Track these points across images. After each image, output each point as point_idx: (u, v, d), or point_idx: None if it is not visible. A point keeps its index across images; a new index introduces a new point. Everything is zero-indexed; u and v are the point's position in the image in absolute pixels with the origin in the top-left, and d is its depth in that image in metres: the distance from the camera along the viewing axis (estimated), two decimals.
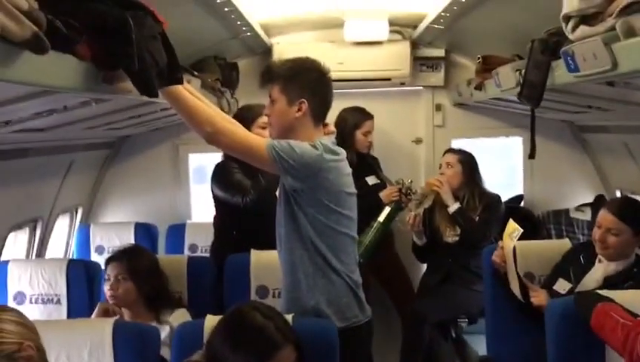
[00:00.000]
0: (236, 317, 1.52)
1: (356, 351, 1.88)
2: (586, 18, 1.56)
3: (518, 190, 3.72)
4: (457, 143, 3.62)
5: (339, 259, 1.90)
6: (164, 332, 2.21)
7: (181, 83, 1.74)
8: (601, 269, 2.30)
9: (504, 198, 3.53)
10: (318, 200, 1.86)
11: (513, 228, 2.38)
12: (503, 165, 3.92)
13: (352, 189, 1.98)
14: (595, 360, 1.78)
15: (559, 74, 1.79)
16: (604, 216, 2.28)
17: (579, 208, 3.44)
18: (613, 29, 1.41)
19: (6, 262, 2.60)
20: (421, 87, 3.71)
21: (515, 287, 2.38)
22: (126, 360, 1.69)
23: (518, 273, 2.40)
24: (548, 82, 1.88)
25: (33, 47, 1.09)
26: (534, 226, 3.46)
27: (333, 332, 1.77)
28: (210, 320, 1.69)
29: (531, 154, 2.22)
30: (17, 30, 1.04)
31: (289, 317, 1.65)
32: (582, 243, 2.67)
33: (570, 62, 1.66)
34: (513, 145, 3.76)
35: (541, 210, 3.58)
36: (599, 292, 1.87)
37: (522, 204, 3.66)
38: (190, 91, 1.85)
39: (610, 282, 2.22)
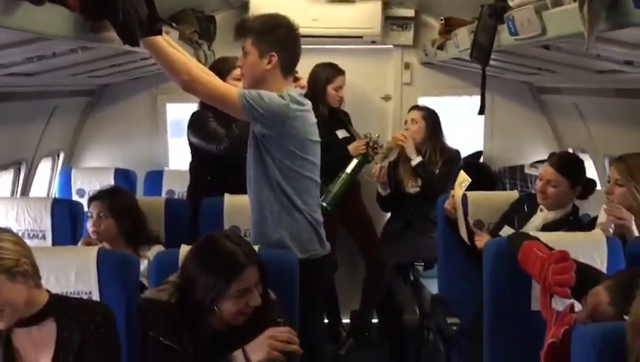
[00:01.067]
0: (208, 242, 1.73)
1: (316, 281, 2.11)
2: None
3: (480, 147, 3.94)
4: (424, 101, 3.80)
5: (302, 200, 2.11)
6: (143, 265, 2.41)
7: (160, 34, 1.90)
8: (540, 217, 2.55)
9: (465, 154, 3.78)
10: (284, 146, 2.06)
11: (463, 178, 2.61)
12: (468, 123, 4.12)
13: (317, 137, 2.18)
14: (522, 292, 2.03)
15: (504, 37, 1.99)
16: (546, 169, 2.51)
17: (533, 164, 3.68)
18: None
19: None
20: (391, 46, 3.85)
21: (463, 232, 2.62)
22: (109, 283, 1.89)
23: (466, 219, 2.64)
24: (495, 44, 2.08)
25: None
26: (491, 180, 3.70)
27: (294, 261, 2.00)
28: (184, 249, 1.89)
29: (480, 110, 2.42)
30: None
31: (256, 248, 1.86)
32: (527, 194, 2.90)
33: (512, 26, 1.87)
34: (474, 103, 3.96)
35: (499, 166, 3.83)
36: (529, 233, 2.11)
37: (481, 159, 3.89)
38: (169, 42, 2.01)
39: (547, 228, 2.46)
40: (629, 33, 1.34)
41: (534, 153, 3.79)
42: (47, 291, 1.62)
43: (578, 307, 1.67)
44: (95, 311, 1.63)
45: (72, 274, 1.89)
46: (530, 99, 3.81)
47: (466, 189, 2.71)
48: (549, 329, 1.62)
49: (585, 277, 1.68)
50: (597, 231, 2.13)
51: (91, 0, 1.55)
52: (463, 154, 3.69)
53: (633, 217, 2.24)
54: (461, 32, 2.52)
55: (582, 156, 3.22)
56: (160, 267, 1.95)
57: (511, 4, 1.80)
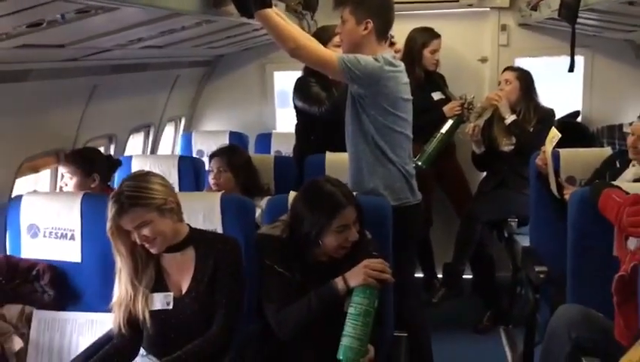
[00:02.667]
0: (313, 185, 2.01)
1: (408, 225, 2.33)
2: None
3: (577, 106, 3.94)
4: (521, 62, 3.85)
5: (395, 153, 2.33)
6: (257, 212, 2.76)
7: (270, 7, 2.18)
8: (632, 172, 2.61)
9: (563, 114, 3.80)
10: (378, 104, 2.28)
11: (554, 133, 2.71)
12: (567, 83, 4.10)
13: (408, 96, 2.38)
14: (604, 238, 2.14)
15: None
16: (637, 124, 2.56)
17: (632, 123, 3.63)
18: None
19: (130, 157, 3.23)
20: (488, 8, 3.92)
21: (553, 186, 2.73)
22: (231, 222, 2.23)
23: (556, 174, 2.75)
24: (582, 3, 2.17)
25: None
26: (588, 139, 3.70)
27: (387, 207, 2.23)
28: (292, 194, 2.19)
29: (570, 67, 2.50)
30: None
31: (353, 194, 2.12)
32: (620, 150, 2.93)
33: None
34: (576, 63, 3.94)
35: (597, 125, 3.81)
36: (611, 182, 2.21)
37: (579, 119, 3.89)
38: (278, 14, 2.28)
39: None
40: None
41: (635, 112, 3.72)
42: (188, 225, 1.99)
43: None
44: (226, 242, 1.98)
45: (200, 215, 2.24)
46: (632, 57, 3.75)
47: (562, 147, 2.81)
48: (622, 267, 1.76)
49: None
50: None
51: None
52: (562, 113, 3.73)
53: None
54: None
55: None
56: (272, 209, 2.26)
57: None
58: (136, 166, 3.16)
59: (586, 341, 1.96)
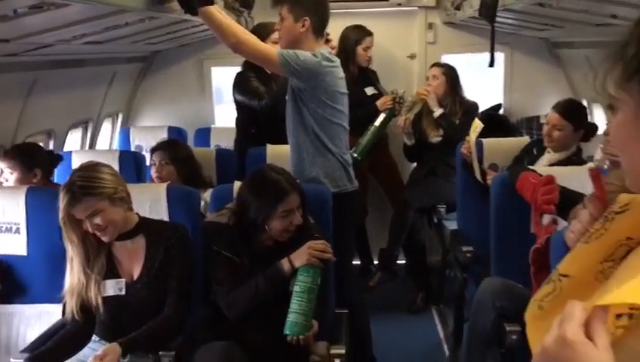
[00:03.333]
0: (258, 174, 2.13)
1: (346, 210, 2.49)
2: None
3: (499, 100, 4.23)
4: (447, 58, 4.09)
5: (333, 143, 2.49)
6: (200, 204, 2.85)
7: (212, 4, 2.28)
8: (547, 158, 2.88)
9: (486, 107, 4.07)
10: (317, 97, 2.43)
11: (477, 124, 2.94)
12: (489, 78, 4.39)
13: (344, 90, 2.54)
14: (522, 217, 2.36)
15: None
16: (551, 114, 2.82)
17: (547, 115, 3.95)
18: None
19: (70, 152, 3.23)
20: (415, 8, 4.14)
21: (477, 172, 2.97)
22: (177, 211, 2.30)
23: (480, 161, 2.98)
24: (500, 3, 2.39)
25: None
26: (509, 130, 3.99)
27: (328, 194, 2.38)
28: (237, 184, 2.30)
29: (490, 63, 2.72)
30: None
31: None
32: (537, 139, 3.21)
33: None
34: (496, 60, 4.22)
35: (517, 117, 4.12)
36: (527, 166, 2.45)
37: (501, 111, 4.18)
38: (219, 11, 2.38)
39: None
40: None
41: (550, 104, 4.03)
42: (137, 214, 2.06)
43: (562, 224, 2.01)
44: (175, 229, 2.07)
45: (147, 205, 2.30)
46: (546, 53, 4.06)
47: (484, 137, 3.05)
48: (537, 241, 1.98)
49: (568, 198, 2.02)
50: (588, 165, 2.45)
51: None
52: (485, 106, 3.99)
53: None
54: None
55: (594, 106, 3.48)
56: (217, 198, 2.36)
57: None
58: (76, 161, 3.16)
59: (508, 309, 2.18)
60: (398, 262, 3.97)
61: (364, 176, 3.75)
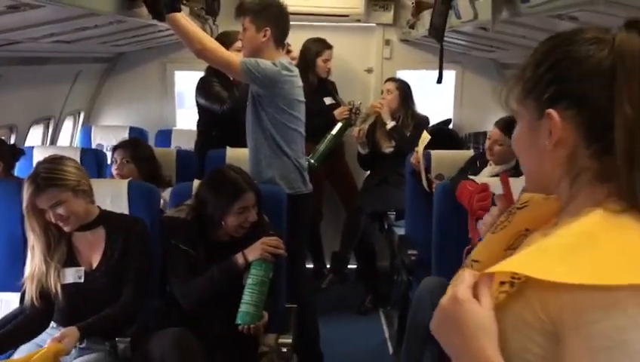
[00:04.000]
0: (217, 173, 2.26)
1: (300, 211, 2.64)
2: None
3: (449, 115, 4.47)
4: (402, 74, 4.30)
5: (289, 147, 2.63)
6: (160, 202, 2.95)
7: (179, 12, 2.41)
8: (488, 170, 3.09)
9: (437, 121, 4.30)
10: (275, 103, 2.57)
11: (425, 136, 3.15)
12: (442, 94, 4.62)
13: (302, 98, 2.69)
14: (462, 223, 2.55)
15: (452, 19, 2.50)
16: (493, 130, 3.04)
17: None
18: None
19: (31, 147, 3.28)
20: (374, 24, 4.34)
21: (424, 181, 3.16)
22: (137, 206, 2.41)
23: (426, 171, 3.18)
24: (447, 25, 2.59)
25: None
26: (458, 144, 4.22)
27: (283, 195, 2.53)
28: (196, 182, 2.42)
29: (439, 79, 2.91)
30: None
31: None
32: (480, 152, 3.43)
33: (457, 11, 2.38)
34: (448, 77, 4.47)
35: (465, 132, 4.35)
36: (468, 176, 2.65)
37: (451, 126, 4.41)
38: (185, 18, 2.51)
39: None
40: (523, 20, 1.86)
41: None
42: (98, 206, 2.16)
43: None
44: (134, 222, 2.18)
45: (108, 200, 2.41)
46: (495, 73, 4.32)
47: (434, 149, 3.25)
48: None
49: None
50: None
51: None
52: (436, 120, 4.22)
53: None
54: (424, 14, 3.02)
55: None
56: (177, 195, 2.48)
57: None
58: (37, 156, 3.22)
59: None
60: (350, 266, 4.15)
61: (320, 182, 3.91)
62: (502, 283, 0.85)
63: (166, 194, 2.96)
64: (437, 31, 2.62)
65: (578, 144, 0.88)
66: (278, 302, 2.36)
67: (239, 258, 2.16)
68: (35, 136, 3.65)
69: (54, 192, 1.98)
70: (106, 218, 2.16)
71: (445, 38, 3.10)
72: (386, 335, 3.59)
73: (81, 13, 2.03)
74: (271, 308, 2.21)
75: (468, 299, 0.82)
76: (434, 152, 3.33)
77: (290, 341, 2.20)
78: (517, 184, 1.14)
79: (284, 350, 2.18)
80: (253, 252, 2.15)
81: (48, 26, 2.13)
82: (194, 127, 3.72)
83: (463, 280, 0.84)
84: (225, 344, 2.16)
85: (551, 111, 0.88)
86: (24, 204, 1.99)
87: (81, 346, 2.04)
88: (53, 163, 2.04)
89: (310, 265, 4.13)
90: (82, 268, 2.09)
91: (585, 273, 0.77)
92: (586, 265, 0.79)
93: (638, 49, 0.83)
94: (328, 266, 4.21)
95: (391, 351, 3.39)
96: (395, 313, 3.51)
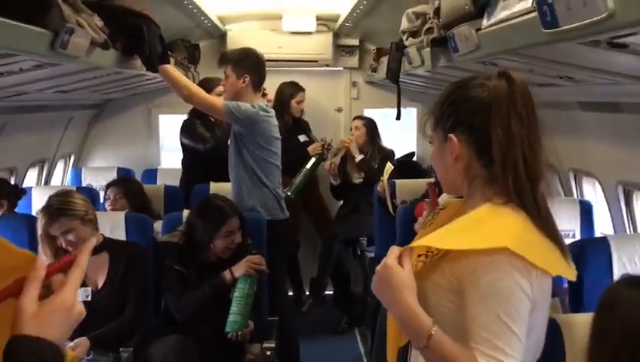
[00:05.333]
0: (205, 201, 2.59)
1: (278, 235, 2.96)
2: (413, 33, 2.66)
3: (413, 148, 4.87)
4: (369, 112, 4.70)
5: (268, 179, 2.97)
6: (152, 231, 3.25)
7: (169, 63, 2.77)
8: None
9: (402, 154, 4.69)
10: (255, 140, 2.92)
11: (389, 166, 3.53)
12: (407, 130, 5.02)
13: (278, 135, 3.04)
14: None
15: (405, 65, 2.90)
16: None
17: None
18: (422, 41, 2.51)
19: (30, 188, 3.57)
20: (341, 68, 4.77)
21: (390, 207, 3.52)
22: (133, 236, 2.72)
23: (392, 197, 3.54)
24: (402, 69, 2.99)
25: (103, 46, 2.12)
26: (421, 174, 4.60)
27: (263, 221, 2.86)
28: (185, 212, 2.74)
29: (397, 116, 3.30)
30: (97, 38, 2.07)
31: None
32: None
33: (408, 58, 2.77)
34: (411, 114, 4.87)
35: (428, 163, 4.74)
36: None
37: (415, 158, 4.81)
38: (173, 69, 2.87)
39: None
40: (457, 65, 2.26)
41: None
42: (102, 234, 2.47)
43: None
44: (134, 247, 2.48)
45: (108, 229, 2.71)
46: None
47: (399, 178, 3.62)
48: None
49: None
50: None
51: (129, 43, 2.42)
52: (400, 153, 4.60)
53: None
54: (383, 60, 3.43)
55: None
56: (169, 223, 2.79)
57: (406, 43, 2.71)
58: (36, 196, 3.51)
59: None
60: (327, 292, 4.45)
61: (297, 213, 4.23)
62: (419, 255, 1.21)
63: (157, 225, 3.26)
64: (393, 74, 3.01)
65: (471, 158, 1.25)
66: (261, 314, 2.66)
67: (227, 274, 2.47)
68: (29, 178, 3.94)
69: (65, 221, 2.29)
70: (109, 244, 2.47)
71: (404, 80, 3.51)
72: (362, 351, 3.89)
73: (85, 68, 2.38)
74: (255, 320, 2.52)
75: (394, 265, 1.17)
76: (398, 181, 3.70)
77: (273, 345, 2.50)
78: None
79: (268, 353, 2.47)
80: (239, 268, 2.46)
81: (56, 79, 2.46)
82: (176, 165, 4.05)
83: (392, 253, 1.19)
84: (215, 352, 2.44)
85: (451, 135, 1.25)
86: (39, 232, 2.28)
87: (87, 358, 2.31)
88: (64, 196, 2.35)
89: (291, 293, 4.43)
90: (89, 288, 2.38)
91: (474, 243, 1.13)
92: (475, 238, 1.14)
93: (505, 91, 1.21)
94: (307, 293, 4.51)
95: None
96: (369, 332, 3.81)
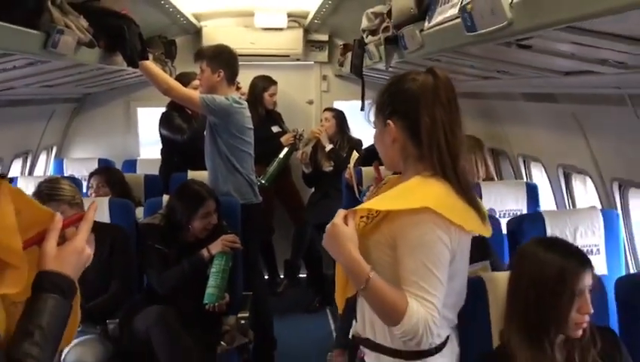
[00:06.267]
0: (183, 185, 2.84)
1: (251, 218, 3.20)
2: (372, 31, 2.92)
3: None
4: (338, 104, 4.95)
5: (241, 166, 3.22)
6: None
7: (148, 59, 2.99)
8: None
9: (369, 143, 4.95)
10: (229, 130, 3.16)
11: (354, 155, 3.80)
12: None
13: (251, 125, 3.29)
14: None
15: (367, 60, 3.16)
16: None
17: None
18: (379, 39, 2.76)
19: (15, 177, 3.76)
20: (312, 62, 5.01)
21: (356, 193, 3.79)
22: (116, 219, 2.94)
23: (357, 183, 3.81)
24: (364, 64, 3.25)
25: (88, 45, 2.34)
26: None
27: (237, 204, 3.10)
28: (165, 197, 2.98)
29: (362, 107, 3.55)
30: (83, 38, 2.29)
31: None
32: None
33: (369, 54, 3.03)
34: None
35: None
36: None
37: None
38: (152, 64, 3.10)
39: None
40: (408, 60, 2.52)
41: None
42: None
43: None
44: (117, 229, 2.71)
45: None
46: None
47: (364, 166, 3.88)
48: None
49: None
50: None
51: (112, 41, 2.64)
52: (368, 143, 4.87)
53: None
54: (349, 54, 3.69)
55: None
56: (150, 207, 3.02)
57: (366, 40, 2.97)
58: (21, 185, 3.70)
59: None
60: (302, 275, 4.72)
61: (271, 200, 4.48)
62: (362, 217, 1.47)
63: (138, 212, 3.48)
64: (356, 69, 3.27)
65: (406, 140, 1.51)
66: (236, 289, 2.91)
67: (204, 252, 2.71)
68: (14, 169, 4.12)
69: (54, 205, 2.49)
70: (94, 226, 2.67)
71: (367, 74, 3.77)
72: (332, 327, 4.16)
73: (72, 64, 2.59)
74: (231, 293, 2.77)
75: (340, 224, 1.44)
76: (364, 168, 3.96)
77: (247, 315, 2.75)
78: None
79: (242, 322, 2.73)
80: (215, 246, 2.71)
81: (44, 75, 2.67)
82: (154, 156, 4.27)
83: (339, 215, 1.45)
84: (195, 322, 2.69)
85: (389, 121, 1.51)
86: None
87: (77, 329, 2.53)
88: (52, 182, 2.57)
89: (266, 276, 4.68)
90: None
91: (404, 204, 1.41)
92: (405, 201, 1.42)
93: (431, 85, 1.48)
94: (282, 276, 4.78)
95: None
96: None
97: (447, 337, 1.57)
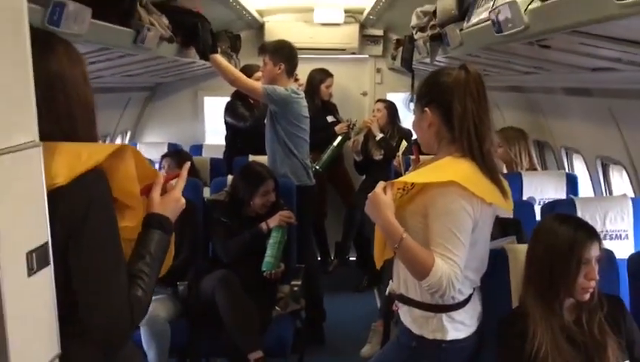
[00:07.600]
0: (246, 167, 3.18)
1: (306, 199, 3.52)
2: (421, 28, 3.16)
3: None
4: (391, 96, 5.19)
5: (297, 150, 3.53)
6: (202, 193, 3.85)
7: (218, 53, 3.34)
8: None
9: None
10: (287, 118, 3.48)
11: (403, 144, 4.04)
12: None
13: (307, 114, 3.58)
14: None
15: (416, 55, 3.40)
16: None
17: None
18: (427, 35, 3.01)
19: None
20: (367, 56, 5.26)
21: None
22: (186, 195, 3.29)
23: (405, 170, 4.05)
24: (413, 58, 3.49)
25: (168, 40, 2.70)
26: None
27: (293, 186, 3.42)
28: (229, 177, 3.33)
29: (412, 98, 3.79)
30: (165, 34, 2.64)
31: None
32: None
33: (418, 49, 3.28)
34: None
35: None
36: None
37: None
38: (221, 57, 3.44)
39: None
40: (452, 55, 2.76)
41: None
42: None
43: None
44: (187, 203, 3.01)
45: None
46: None
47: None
48: None
49: None
50: None
51: (187, 37, 3.00)
52: None
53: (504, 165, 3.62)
54: (400, 49, 3.93)
55: None
56: (216, 186, 3.38)
57: (415, 37, 3.21)
58: None
59: None
60: (351, 258, 5.01)
61: (324, 185, 4.79)
62: (399, 189, 1.75)
63: (204, 191, 3.85)
64: (406, 63, 3.53)
65: (440, 125, 1.77)
66: (290, 260, 3.23)
67: (263, 225, 3.04)
68: None
69: None
70: None
71: (418, 67, 4.00)
72: (378, 305, 4.43)
73: (153, 57, 2.96)
74: (286, 263, 3.09)
75: (380, 193, 1.72)
76: (413, 157, 4.19)
77: (299, 283, 3.07)
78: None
79: (295, 289, 3.04)
80: (273, 220, 3.03)
81: (128, 66, 3.05)
82: (218, 141, 4.64)
83: (379, 186, 1.74)
84: (253, 289, 3.02)
85: (426, 109, 1.78)
86: None
87: None
88: None
89: (319, 258, 4.99)
90: None
91: (435, 178, 1.67)
92: (437, 175, 1.68)
93: (463, 78, 1.73)
94: (332, 257, 5.09)
95: None
96: (385, 288, 4.34)
97: (470, 296, 1.83)
